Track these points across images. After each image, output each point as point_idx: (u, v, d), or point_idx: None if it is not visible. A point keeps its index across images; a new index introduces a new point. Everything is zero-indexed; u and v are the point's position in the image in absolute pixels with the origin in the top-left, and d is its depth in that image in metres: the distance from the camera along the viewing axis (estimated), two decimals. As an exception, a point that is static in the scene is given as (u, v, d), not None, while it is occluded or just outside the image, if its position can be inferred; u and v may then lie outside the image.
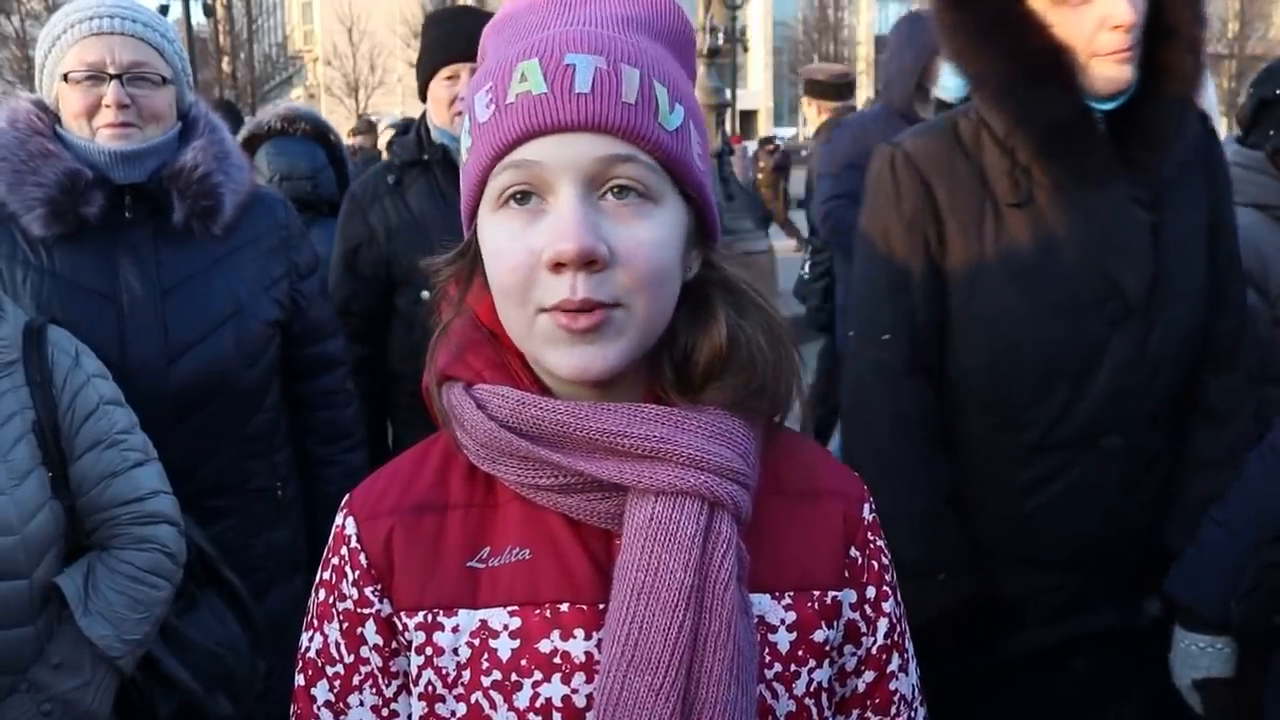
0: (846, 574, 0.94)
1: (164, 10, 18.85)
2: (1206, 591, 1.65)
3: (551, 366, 0.85)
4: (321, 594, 0.94)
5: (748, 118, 50.92)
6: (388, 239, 2.56)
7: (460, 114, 2.46)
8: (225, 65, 29.55)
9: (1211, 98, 2.86)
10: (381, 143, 6.59)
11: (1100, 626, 1.75)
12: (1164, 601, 1.75)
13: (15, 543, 1.51)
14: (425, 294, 2.50)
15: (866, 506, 0.98)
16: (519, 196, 0.83)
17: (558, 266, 0.80)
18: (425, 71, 2.61)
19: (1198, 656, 1.68)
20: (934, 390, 1.74)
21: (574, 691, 0.84)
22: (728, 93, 13.99)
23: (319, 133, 3.63)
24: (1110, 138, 1.63)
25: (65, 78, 1.84)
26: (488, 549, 0.89)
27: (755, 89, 56.10)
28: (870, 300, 1.79)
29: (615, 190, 0.82)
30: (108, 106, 1.82)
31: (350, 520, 0.93)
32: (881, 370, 1.74)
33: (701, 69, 9.56)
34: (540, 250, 0.81)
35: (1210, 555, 1.67)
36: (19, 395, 1.59)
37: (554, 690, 0.85)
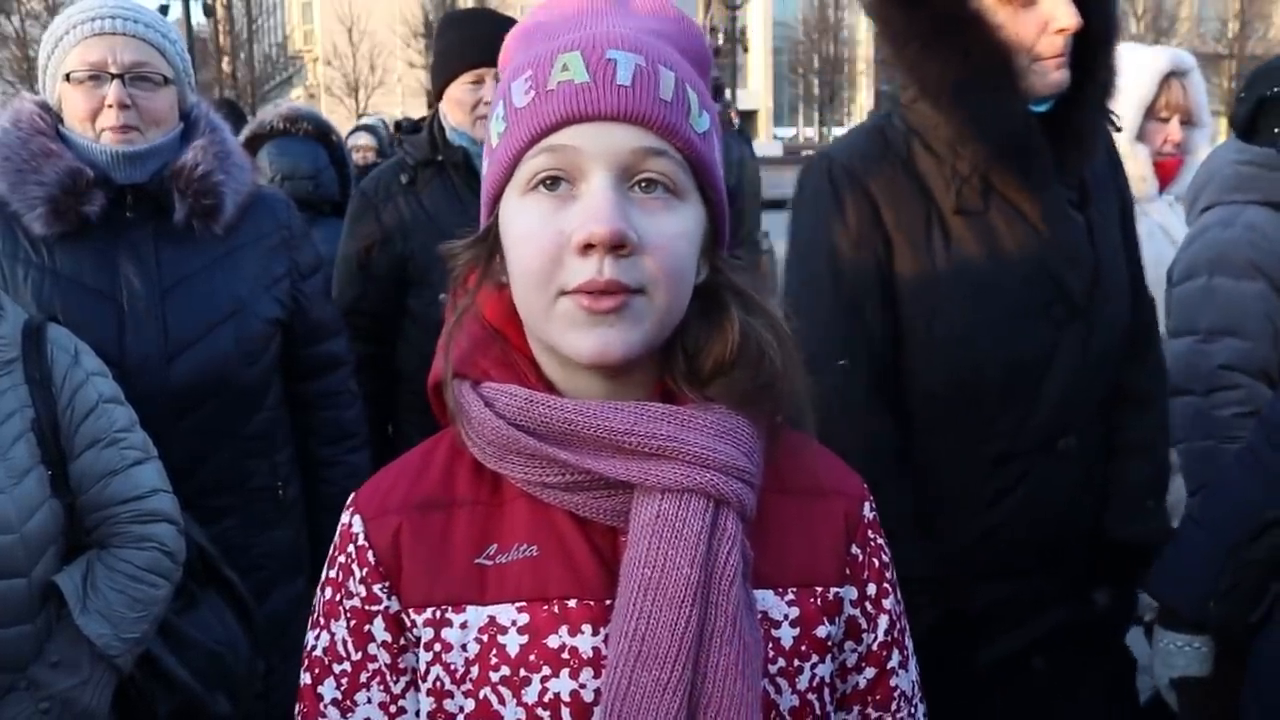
0: (848, 571, 0.95)
1: (164, 10, 18.90)
2: (1185, 591, 1.65)
3: (570, 349, 0.85)
4: (328, 592, 0.94)
5: (747, 118, 50.89)
6: (402, 238, 2.53)
7: (484, 118, 2.45)
8: (225, 65, 29.56)
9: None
10: (360, 141, 6.51)
11: (1056, 624, 1.74)
12: (1112, 591, 1.76)
13: (14, 541, 1.51)
14: (443, 296, 2.47)
15: (867, 505, 0.99)
16: (549, 182, 0.84)
17: (587, 249, 0.81)
18: (445, 74, 2.56)
19: (1175, 655, 1.67)
20: (894, 415, 1.69)
21: (582, 686, 0.85)
22: (728, 93, 14.02)
23: (321, 133, 3.65)
24: (1046, 140, 1.62)
25: (68, 78, 1.84)
26: (495, 546, 0.89)
27: (755, 89, 56.03)
28: (821, 322, 1.66)
29: (644, 184, 0.84)
30: (109, 107, 1.83)
31: (357, 518, 0.93)
32: (840, 400, 1.62)
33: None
34: (570, 233, 0.82)
35: (1189, 555, 1.67)
36: (18, 393, 1.59)
37: (562, 685, 0.85)
